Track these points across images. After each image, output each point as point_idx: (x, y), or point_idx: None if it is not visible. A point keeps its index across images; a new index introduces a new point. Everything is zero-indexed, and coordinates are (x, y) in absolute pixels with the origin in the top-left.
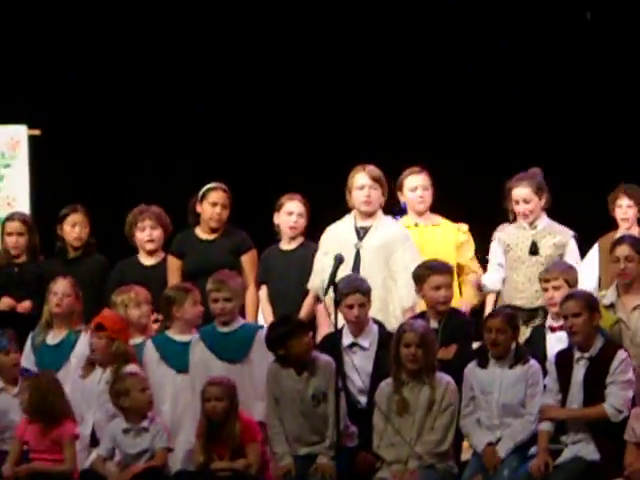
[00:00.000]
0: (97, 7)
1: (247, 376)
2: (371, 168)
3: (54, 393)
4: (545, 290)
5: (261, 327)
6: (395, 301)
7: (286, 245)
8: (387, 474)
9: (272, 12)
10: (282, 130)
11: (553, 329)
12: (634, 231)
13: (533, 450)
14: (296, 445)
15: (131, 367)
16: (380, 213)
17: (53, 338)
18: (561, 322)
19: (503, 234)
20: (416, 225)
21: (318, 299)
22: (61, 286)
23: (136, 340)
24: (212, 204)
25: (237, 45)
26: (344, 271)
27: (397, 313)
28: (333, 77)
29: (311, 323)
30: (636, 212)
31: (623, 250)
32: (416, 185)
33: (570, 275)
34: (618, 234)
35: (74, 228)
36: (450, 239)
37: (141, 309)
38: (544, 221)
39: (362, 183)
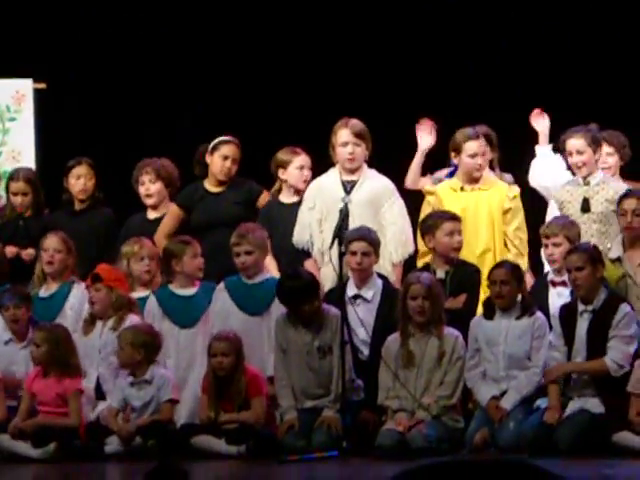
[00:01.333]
0: None
1: (266, 329)
2: (354, 123)
3: (67, 345)
4: (545, 246)
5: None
6: (385, 256)
7: (288, 198)
8: (393, 425)
9: None
10: (288, 84)
11: (554, 283)
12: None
13: (539, 402)
14: (302, 398)
15: (133, 318)
16: (365, 167)
17: (46, 290)
18: (562, 277)
19: (557, 192)
20: (462, 189)
21: (306, 253)
22: (52, 242)
23: (140, 294)
24: (224, 157)
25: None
26: (332, 225)
27: (387, 268)
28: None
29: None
30: (617, 159)
31: (630, 203)
32: (475, 152)
33: (571, 231)
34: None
35: (79, 180)
36: (495, 205)
37: (144, 262)
38: (598, 176)
39: (345, 140)
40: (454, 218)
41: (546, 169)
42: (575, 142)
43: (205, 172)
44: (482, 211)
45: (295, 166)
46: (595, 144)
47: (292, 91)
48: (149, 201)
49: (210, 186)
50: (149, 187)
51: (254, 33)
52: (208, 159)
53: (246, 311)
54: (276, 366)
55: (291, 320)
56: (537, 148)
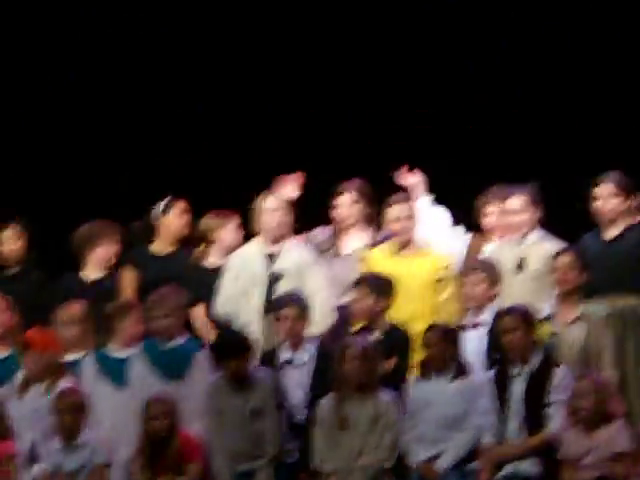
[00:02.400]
0: None
1: (186, 394)
2: (283, 191)
3: None
4: (463, 285)
5: (203, 345)
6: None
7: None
8: None
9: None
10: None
11: (474, 325)
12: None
13: (473, 465)
14: (236, 461)
15: (66, 382)
16: (289, 237)
17: None
18: (481, 317)
19: (492, 251)
20: (394, 255)
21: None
22: None
23: (73, 357)
24: (181, 213)
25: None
26: (257, 297)
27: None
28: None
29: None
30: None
31: (565, 259)
32: (398, 216)
33: (491, 271)
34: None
35: (6, 243)
36: (428, 273)
37: (75, 327)
38: (535, 235)
39: (272, 207)
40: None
41: (427, 223)
42: (515, 201)
43: (151, 236)
44: (412, 279)
45: (232, 228)
46: (535, 203)
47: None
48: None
49: (158, 247)
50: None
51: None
52: (161, 221)
53: (164, 376)
54: (209, 429)
55: (224, 384)
56: (417, 203)
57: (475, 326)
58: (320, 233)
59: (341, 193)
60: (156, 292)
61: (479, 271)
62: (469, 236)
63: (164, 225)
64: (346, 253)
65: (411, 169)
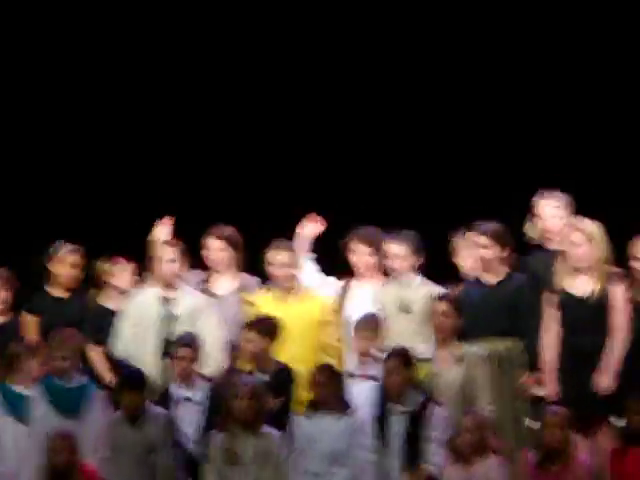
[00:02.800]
0: None
1: (84, 430)
2: (174, 242)
3: None
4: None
5: (100, 384)
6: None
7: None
8: None
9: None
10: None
11: (361, 376)
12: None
13: None
14: None
15: None
16: (182, 283)
17: None
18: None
19: (378, 292)
20: (279, 298)
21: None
22: None
23: None
24: (65, 259)
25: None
26: (153, 339)
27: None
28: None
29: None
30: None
31: (441, 306)
32: (275, 262)
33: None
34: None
35: None
36: (313, 316)
37: None
38: (417, 279)
39: (168, 257)
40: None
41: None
42: (396, 247)
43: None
44: (298, 321)
45: (126, 271)
46: (418, 250)
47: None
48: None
49: (54, 291)
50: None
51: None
52: (49, 264)
53: (63, 413)
54: (105, 464)
55: (121, 419)
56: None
57: (364, 377)
58: (192, 275)
59: (210, 237)
60: (56, 334)
61: (369, 328)
62: (340, 283)
63: (53, 269)
64: (220, 294)
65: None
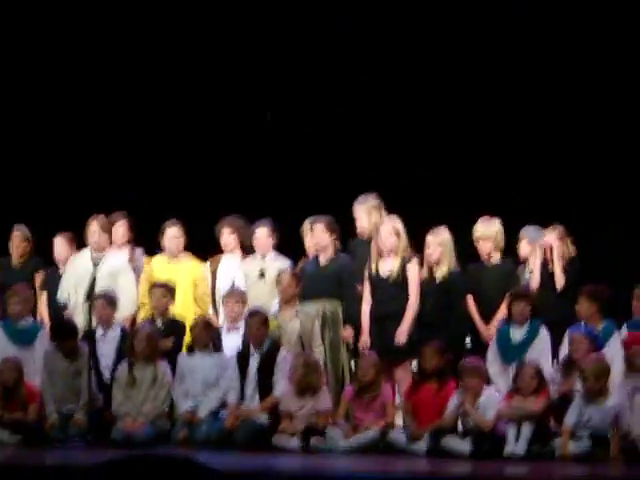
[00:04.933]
0: None
1: (32, 358)
2: (102, 218)
3: None
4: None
5: (42, 325)
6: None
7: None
8: (122, 425)
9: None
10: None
11: (229, 329)
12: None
13: (222, 413)
14: (61, 404)
15: None
16: (110, 248)
17: None
18: (235, 325)
19: (242, 264)
20: (168, 262)
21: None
22: None
23: None
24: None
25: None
26: (84, 289)
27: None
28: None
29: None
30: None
31: (284, 277)
32: (170, 235)
33: (243, 297)
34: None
35: None
36: (189, 275)
37: None
38: (271, 254)
39: (94, 229)
40: (163, 285)
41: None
42: (259, 230)
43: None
44: (181, 279)
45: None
46: (273, 233)
47: None
48: None
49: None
50: None
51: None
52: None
53: (17, 345)
54: (44, 382)
55: (56, 351)
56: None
57: (231, 330)
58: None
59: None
60: (12, 287)
61: (236, 296)
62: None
63: (12, 244)
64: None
65: None
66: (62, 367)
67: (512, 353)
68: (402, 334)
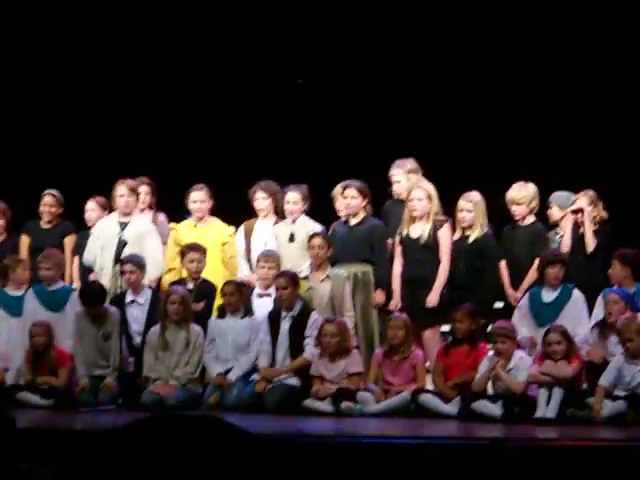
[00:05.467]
0: None
1: (64, 321)
2: (129, 181)
3: None
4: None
5: (74, 288)
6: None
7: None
8: (153, 389)
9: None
10: None
11: (260, 295)
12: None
13: (254, 376)
14: (92, 368)
15: None
16: (136, 212)
17: None
18: (267, 291)
19: (274, 229)
20: (195, 226)
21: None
22: None
23: None
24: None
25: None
26: (111, 253)
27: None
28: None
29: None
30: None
31: (316, 241)
32: (195, 199)
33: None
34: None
35: None
36: (217, 239)
37: None
38: (301, 218)
39: (121, 193)
40: (196, 249)
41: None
42: (291, 195)
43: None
44: (209, 242)
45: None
46: (305, 198)
47: None
48: None
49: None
50: None
51: None
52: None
53: (49, 309)
54: (74, 346)
55: (85, 315)
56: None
57: (264, 295)
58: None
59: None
60: (44, 252)
61: (270, 260)
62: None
63: (42, 209)
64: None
65: None
66: (92, 331)
67: (545, 315)
68: (433, 297)
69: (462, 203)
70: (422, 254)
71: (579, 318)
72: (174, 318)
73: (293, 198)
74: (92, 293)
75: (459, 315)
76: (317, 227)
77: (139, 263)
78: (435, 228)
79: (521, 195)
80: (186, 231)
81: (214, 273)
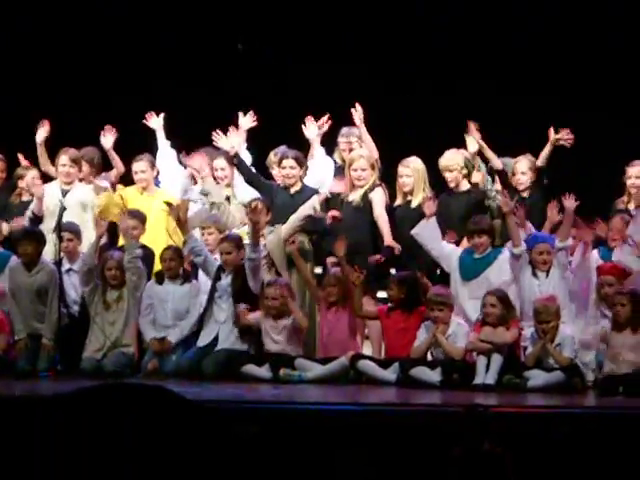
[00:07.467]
0: None
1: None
2: (71, 152)
3: None
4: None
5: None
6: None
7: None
8: (91, 355)
9: None
10: None
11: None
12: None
13: (193, 347)
14: (29, 321)
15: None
16: (76, 181)
17: None
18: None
19: None
20: (141, 194)
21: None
22: None
23: None
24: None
25: None
26: (52, 220)
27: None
28: None
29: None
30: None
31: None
32: (136, 170)
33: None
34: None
35: None
36: (162, 207)
37: None
38: None
39: (63, 162)
40: (134, 215)
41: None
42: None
43: None
44: (153, 210)
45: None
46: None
47: None
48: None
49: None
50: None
51: None
52: None
53: None
54: (9, 301)
55: (20, 266)
56: None
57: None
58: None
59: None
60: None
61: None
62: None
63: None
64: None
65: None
66: (26, 282)
67: (471, 270)
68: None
69: (401, 169)
70: (356, 218)
71: (505, 275)
72: (112, 283)
73: (222, 164)
74: (25, 232)
75: (391, 283)
76: (254, 192)
77: (76, 231)
78: (366, 192)
79: (452, 162)
80: (132, 197)
81: (156, 241)
